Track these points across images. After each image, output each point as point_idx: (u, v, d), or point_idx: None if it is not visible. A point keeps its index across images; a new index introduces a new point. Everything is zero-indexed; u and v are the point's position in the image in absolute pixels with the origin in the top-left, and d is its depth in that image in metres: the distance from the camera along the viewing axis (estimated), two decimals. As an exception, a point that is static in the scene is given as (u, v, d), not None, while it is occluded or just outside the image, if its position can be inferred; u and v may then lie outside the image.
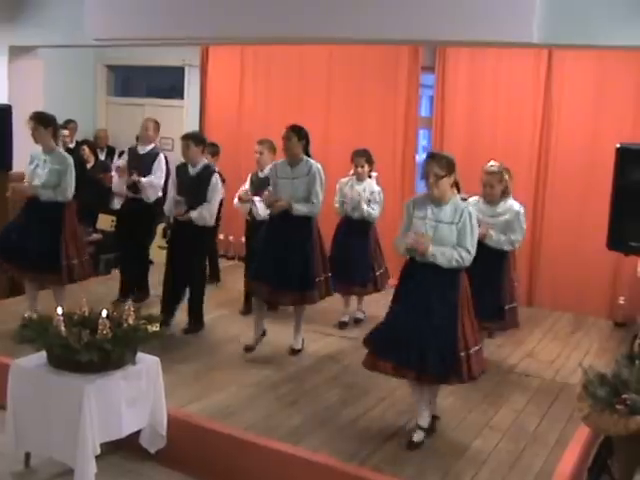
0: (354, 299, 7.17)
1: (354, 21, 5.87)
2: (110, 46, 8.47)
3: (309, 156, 5.99)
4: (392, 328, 4.59)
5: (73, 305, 4.56)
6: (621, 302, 7.66)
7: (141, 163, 7.15)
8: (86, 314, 4.44)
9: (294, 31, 6.17)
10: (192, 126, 9.58)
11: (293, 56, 9.02)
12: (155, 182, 7.11)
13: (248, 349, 6.09)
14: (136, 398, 4.39)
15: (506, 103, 8.08)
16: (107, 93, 11.53)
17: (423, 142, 9.35)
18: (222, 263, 8.71)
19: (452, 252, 4.49)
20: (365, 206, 6.72)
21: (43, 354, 4.31)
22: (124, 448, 4.64)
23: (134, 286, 7.09)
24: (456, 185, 4.66)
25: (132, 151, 7.39)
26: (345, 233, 6.88)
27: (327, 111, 9.00)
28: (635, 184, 5.24)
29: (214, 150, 7.79)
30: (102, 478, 4.22)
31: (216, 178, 6.41)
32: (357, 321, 7.12)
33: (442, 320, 4.47)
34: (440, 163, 4.52)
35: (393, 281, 5.78)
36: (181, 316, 6.56)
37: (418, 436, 4.67)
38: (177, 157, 7.00)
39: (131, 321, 4.37)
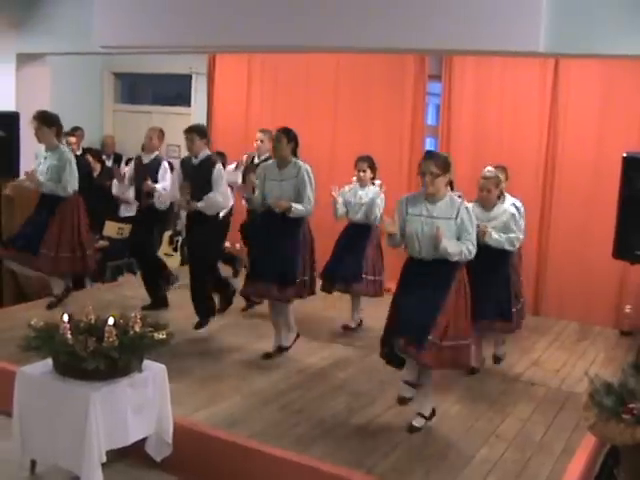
0: (364, 299, 7.13)
1: (361, 30, 5.92)
2: (117, 54, 8.53)
3: (297, 157, 6.04)
4: (396, 315, 4.78)
5: (79, 312, 4.56)
6: (627, 311, 7.62)
7: (146, 172, 7.22)
8: (92, 321, 4.43)
9: (301, 40, 6.21)
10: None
11: (300, 64, 9.02)
12: (167, 186, 7.13)
13: (267, 356, 6.20)
14: (142, 405, 4.38)
15: (512, 111, 8.06)
16: (114, 100, 11.58)
17: (429, 150, 9.37)
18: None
19: (460, 244, 4.69)
20: (377, 210, 6.75)
21: (49, 361, 4.31)
22: (130, 456, 4.62)
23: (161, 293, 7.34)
24: (450, 184, 4.83)
25: (137, 160, 7.49)
26: (351, 236, 6.96)
27: (334, 119, 9.01)
28: (642, 193, 5.24)
29: (222, 159, 7.80)
30: (108, 486, 4.22)
31: (219, 166, 6.45)
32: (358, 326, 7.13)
33: (427, 300, 4.63)
34: (437, 162, 4.71)
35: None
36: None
37: (418, 422, 4.89)
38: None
39: (137, 328, 4.36)
